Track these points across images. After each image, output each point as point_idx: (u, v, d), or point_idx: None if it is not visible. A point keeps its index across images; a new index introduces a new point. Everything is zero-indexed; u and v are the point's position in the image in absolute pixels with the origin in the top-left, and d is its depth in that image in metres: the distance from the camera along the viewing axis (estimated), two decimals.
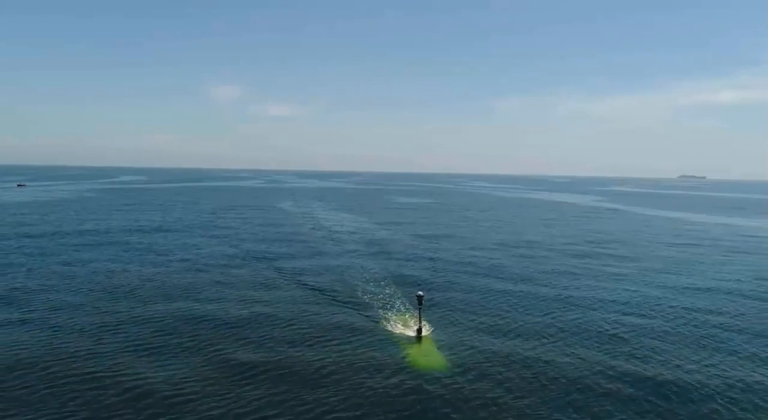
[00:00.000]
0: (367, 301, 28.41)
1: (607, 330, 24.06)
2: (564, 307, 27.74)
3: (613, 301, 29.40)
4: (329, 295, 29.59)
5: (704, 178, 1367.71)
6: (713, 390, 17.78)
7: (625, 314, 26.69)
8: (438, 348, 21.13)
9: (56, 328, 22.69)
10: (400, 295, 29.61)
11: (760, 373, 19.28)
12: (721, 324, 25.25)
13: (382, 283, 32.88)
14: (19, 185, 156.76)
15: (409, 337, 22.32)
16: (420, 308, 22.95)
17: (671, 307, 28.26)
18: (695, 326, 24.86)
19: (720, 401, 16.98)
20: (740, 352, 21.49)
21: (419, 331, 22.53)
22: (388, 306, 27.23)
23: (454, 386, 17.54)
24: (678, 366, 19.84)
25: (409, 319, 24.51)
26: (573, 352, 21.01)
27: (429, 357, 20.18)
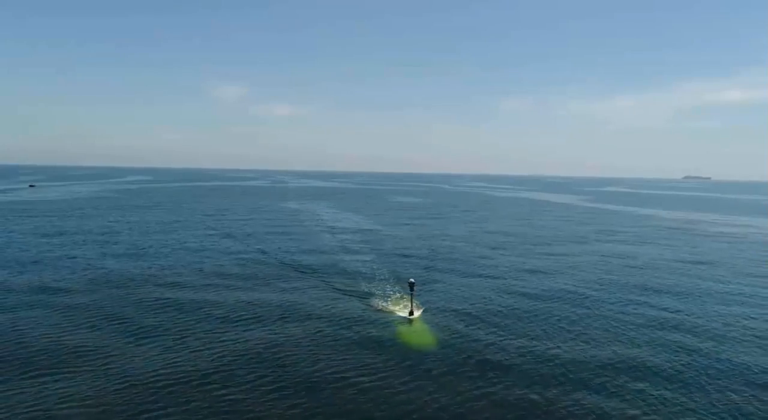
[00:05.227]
0: (364, 286, 30.94)
1: (588, 312, 26.30)
2: (544, 292, 30.02)
3: (589, 287, 31.65)
4: (330, 282, 32.08)
5: (709, 178, 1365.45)
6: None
7: (602, 297, 28.94)
8: (427, 327, 23.48)
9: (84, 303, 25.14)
10: (394, 282, 32.12)
11: None
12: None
13: (378, 271, 35.54)
14: (30, 186, 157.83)
15: (402, 318, 24.75)
16: (412, 293, 25.41)
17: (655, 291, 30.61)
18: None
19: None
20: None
21: (411, 313, 24.96)
22: (384, 291, 29.72)
23: (440, 360, 19.74)
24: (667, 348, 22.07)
25: (402, 303, 26.90)
26: (553, 331, 23.28)
27: (419, 335, 22.53)
